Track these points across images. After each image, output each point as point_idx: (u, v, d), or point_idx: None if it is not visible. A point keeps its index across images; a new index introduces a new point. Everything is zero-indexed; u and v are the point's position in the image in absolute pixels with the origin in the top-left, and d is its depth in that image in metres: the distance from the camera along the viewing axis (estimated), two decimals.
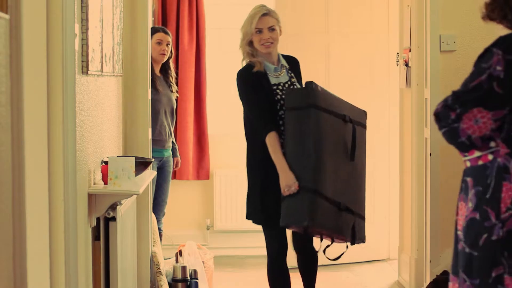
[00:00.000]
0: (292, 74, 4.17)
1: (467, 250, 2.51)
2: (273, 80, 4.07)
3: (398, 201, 5.65)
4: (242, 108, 4.13)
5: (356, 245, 6.14)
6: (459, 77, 4.96)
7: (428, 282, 4.81)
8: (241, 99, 4.10)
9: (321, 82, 5.95)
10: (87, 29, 3.40)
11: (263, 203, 4.04)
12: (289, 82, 4.12)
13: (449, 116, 2.49)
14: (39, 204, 2.95)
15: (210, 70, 6.68)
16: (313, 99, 3.87)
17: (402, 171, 5.52)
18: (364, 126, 4.26)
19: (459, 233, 2.57)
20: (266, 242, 4.16)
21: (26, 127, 2.64)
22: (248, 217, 4.19)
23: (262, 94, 4.00)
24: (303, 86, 4.03)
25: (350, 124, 4.06)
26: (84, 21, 3.39)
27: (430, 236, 4.86)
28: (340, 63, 6.06)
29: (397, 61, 5.58)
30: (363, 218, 4.27)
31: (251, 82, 4.03)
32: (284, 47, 5.87)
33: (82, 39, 3.38)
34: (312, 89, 3.89)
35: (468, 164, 2.56)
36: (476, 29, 4.75)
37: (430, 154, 4.85)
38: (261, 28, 4.04)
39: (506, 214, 2.42)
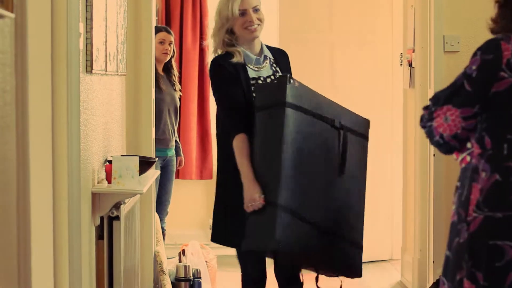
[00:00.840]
0: (278, 68, 3.57)
1: (446, 253, 2.51)
2: (252, 73, 3.46)
3: (401, 202, 5.65)
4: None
5: None
6: None
7: (431, 282, 4.81)
8: (213, 92, 3.54)
9: (325, 82, 5.99)
10: (91, 28, 3.41)
11: (236, 221, 3.41)
12: (272, 77, 3.51)
13: (425, 115, 2.50)
14: (43, 203, 2.95)
15: None
16: (285, 95, 3.22)
17: (405, 171, 5.52)
18: (365, 137, 3.66)
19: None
20: (241, 266, 3.63)
21: (30, 126, 2.65)
22: (214, 239, 3.61)
23: (237, 89, 3.39)
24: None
25: (340, 131, 3.45)
26: (89, 20, 3.39)
27: (433, 237, 4.86)
28: (343, 63, 6.06)
29: (401, 62, 5.58)
30: (360, 247, 3.63)
31: (228, 74, 3.41)
32: (288, 47, 5.88)
33: (86, 38, 3.38)
34: (284, 83, 3.25)
35: (459, 168, 2.56)
36: (480, 30, 4.74)
37: (434, 155, 4.84)
38: (245, 9, 3.46)
39: (471, 216, 2.40)
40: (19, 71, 2.53)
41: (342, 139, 3.45)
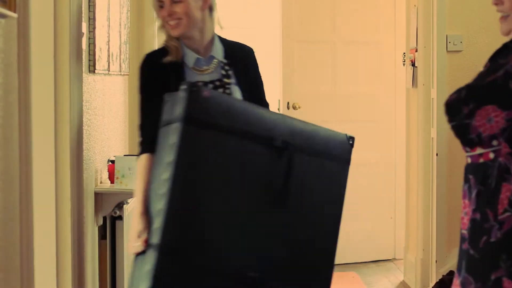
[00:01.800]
0: (231, 72, 2.83)
1: (471, 251, 2.49)
2: (191, 77, 2.75)
3: (404, 201, 5.64)
4: None
5: (361, 245, 6.19)
6: (465, 77, 4.93)
7: (434, 282, 4.80)
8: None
9: (327, 82, 5.99)
10: (94, 28, 3.41)
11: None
12: (217, 82, 2.79)
13: (462, 111, 2.43)
14: (46, 203, 2.95)
15: None
16: (185, 109, 2.46)
17: (408, 171, 5.51)
18: (338, 159, 2.76)
19: (463, 232, 2.54)
20: None
21: (33, 126, 2.65)
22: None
23: (158, 97, 2.63)
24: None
25: (284, 152, 2.61)
26: (92, 20, 3.39)
27: (436, 236, 4.86)
28: (346, 62, 6.06)
29: (404, 61, 5.58)
30: None
31: (154, 74, 2.74)
32: (291, 47, 5.89)
33: (89, 38, 3.38)
34: (184, 93, 2.48)
35: (469, 160, 2.51)
36: (483, 29, 4.74)
37: (437, 154, 4.84)
38: (161, 1, 2.74)
39: (504, 215, 2.38)
40: (21, 71, 2.54)
41: (286, 161, 2.62)
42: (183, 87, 2.49)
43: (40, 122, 2.89)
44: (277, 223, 2.60)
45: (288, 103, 5.71)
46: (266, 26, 7.31)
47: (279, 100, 5.76)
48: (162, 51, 2.78)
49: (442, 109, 2.54)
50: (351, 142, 2.80)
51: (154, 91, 2.67)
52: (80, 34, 3.14)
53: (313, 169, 2.69)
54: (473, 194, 2.47)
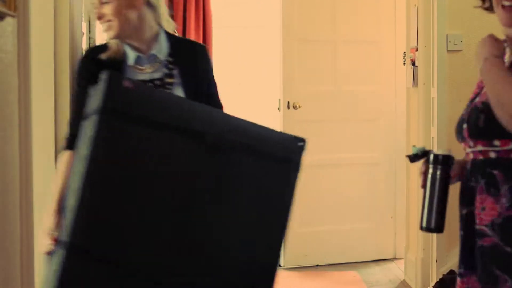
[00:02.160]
0: (175, 72, 2.69)
1: (506, 249, 2.44)
2: (129, 75, 2.62)
3: (404, 201, 5.64)
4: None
5: (361, 244, 6.19)
6: (466, 76, 4.96)
7: (434, 281, 4.81)
8: None
9: (328, 82, 5.99)
10: (94, 27, 3.41)
11: None
12: (158, 82, 2.65)
13: None
14: (47, 204, 2.95)
15: (217, 69, 6.67)
16: (103, 100, 2.24)
17: (408, 170, 5.51)
18: (289, 162, 2.52)
19: (482, 227, 2.50)
20: None
21: (33, 126, 2.65)
22: None
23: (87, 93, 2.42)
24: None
25: (219, 150, 2.41)
26: (92, 20, 3.40)
27: (437, 236, 4.86)
28: (347, 62, 6.06)
29: (404, 61, 5.58)
30: None
31: (89, 70, 2.55)
32: (291, 47, 5.88)
33: (89, 38, 3.38)
34: (103, 83, 2.26)
35: (493, 155, 2.46)
36: (483, 29, 4.70)
37: None
38: (94, 3, 2.59)
39: None
40: (21, 70, 2.54)
41: (219, 159, 2.42)
42: (103, 77, 2.26)
43: (40, 122, 2.89)
44: (205, 222, 2.40)
45: (288, 102, 5.71)
46: (266, 25, 7.31)
47: (279, 100, 5.75)
48: (103, 47, 2.63)
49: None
50: (300, 144, 2.56)
51: (86, 87, 2.41)
52: (80, 34, 3.14)
53: (252, 170, 2.49)
54: (503, 190, 2.41)
